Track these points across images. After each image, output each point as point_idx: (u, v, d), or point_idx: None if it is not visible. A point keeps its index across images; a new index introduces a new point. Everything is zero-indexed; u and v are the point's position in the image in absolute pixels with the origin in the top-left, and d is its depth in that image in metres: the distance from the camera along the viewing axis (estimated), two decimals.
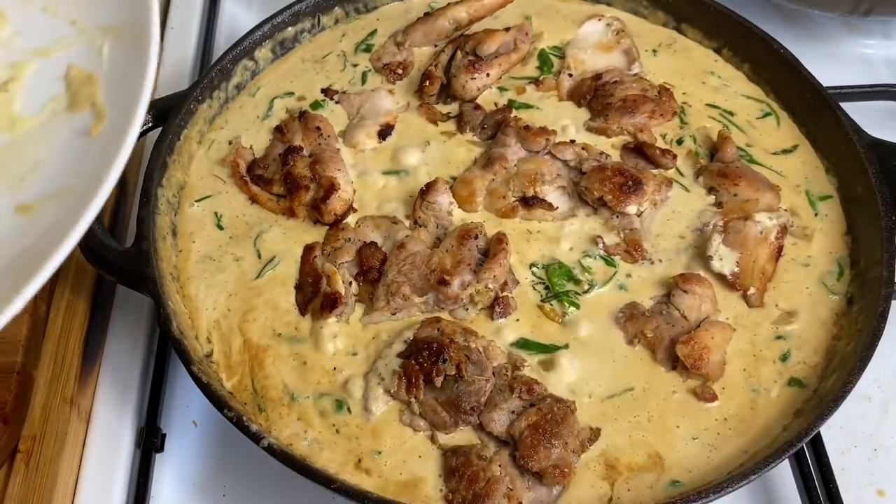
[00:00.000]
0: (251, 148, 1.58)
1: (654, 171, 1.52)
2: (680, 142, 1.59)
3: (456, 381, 1.25)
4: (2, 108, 1.13)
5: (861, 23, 2.08)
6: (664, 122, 1.61)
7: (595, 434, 1.25)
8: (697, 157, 1.56)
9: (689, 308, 1.35)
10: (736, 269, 1.41)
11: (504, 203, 1.48)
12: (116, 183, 1.00)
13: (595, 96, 1.63)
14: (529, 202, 1.47)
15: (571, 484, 1.21)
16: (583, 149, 1.51)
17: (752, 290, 1.40)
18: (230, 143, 1.59)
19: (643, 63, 1.70)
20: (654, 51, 1.75)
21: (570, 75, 1.68)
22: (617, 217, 1.46)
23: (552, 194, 1.49)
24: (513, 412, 1.24)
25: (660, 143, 1.58)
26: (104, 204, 1.52)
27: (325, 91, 1.66)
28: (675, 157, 1.54)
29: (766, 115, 1.65)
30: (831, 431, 1.43)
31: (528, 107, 1.63)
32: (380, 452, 1.24)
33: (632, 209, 1.45)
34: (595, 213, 1.48)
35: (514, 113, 1.58)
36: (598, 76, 1.66)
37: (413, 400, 1.26)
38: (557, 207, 1.47)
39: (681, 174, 1.55)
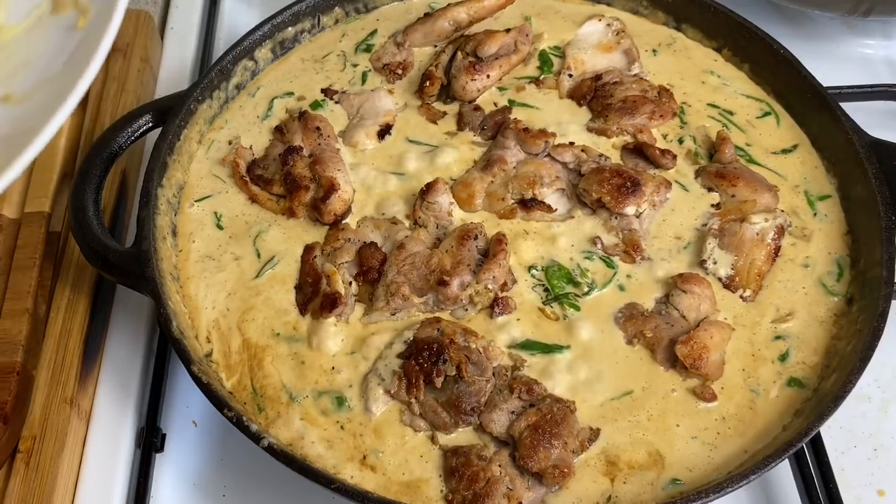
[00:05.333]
0: (251, 148, 1.58)
1: (653, 172, 1.52)
2: (681, 141, 1.59)
3: (456, 382, 1.25)
4: None
5: (861, 23, 2.08)
6: (664, 122, 1.60)
7: (595, 434, 1.25)
8: (697, 158, 1.56)
9: (688, 308, 1.35)
10: (731, 272, 1.41)
11: (503, 205, 1.48)
12: (101, 68, 1.07)
13: (595, 97, 1.63)
14: (528, 204, 1.47)
15: (572, 480, 1.21)
16: (582, 150, 1.51)
17: (748, 292, 1.40)
18: (230, 143, 1.59)
19: (643, 63, 1.70)
20: (654, 51, 1.75)
21: (570, 76, 1.68)
22: (615, 218, 1.46)
23: (551, 196, 1.49)
24: (513, 412, 1.24)
25: (661, 143, 1.58)
26: (105, 203, 1.53)
27: (325, 91, 1.66)
28: (674, 157, 1.54)
29: (766, 114, 1.65)
30: (831, 431, 1.44)
31: (527, 106, 1.63)
32: (382, 452, 1.24)
33: (630, 210, 1.44)
34: (594, 213, 1.48)
35: (513, 115, 1.58)
36: (598, 77, 1.66)
37: (413, 400, 1.26)
38: (556, 209, 1.47)
39: (679, 174, 1.55)
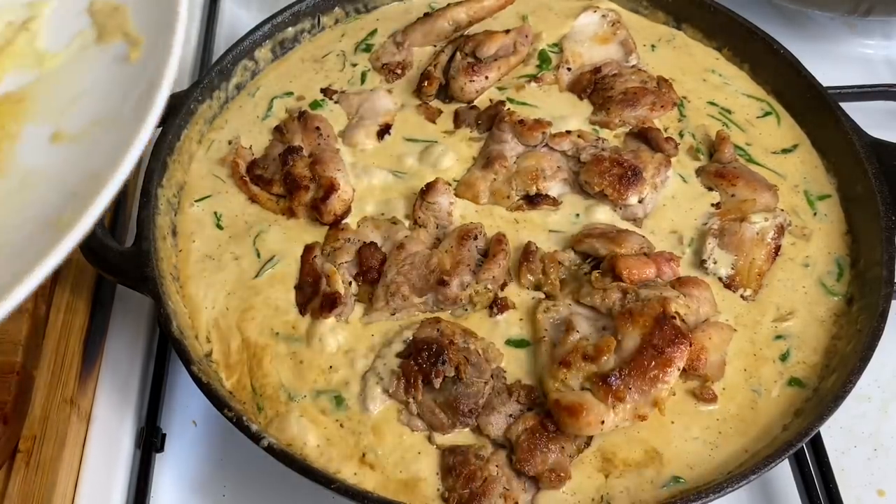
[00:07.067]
0: (251, 148, 1.58)
1: (652, 154, 1.52)
2: (681, 135, 1.60)
3: (454, 383, 1.25)
4: (26, 46, 1.12)
5: (861, 23, 2.08)
6: (665, 113, 1.61)
7: (588, 439, 1.24)
8: (697, 153, 1.56)
9: (687, 312, 1.35)
10: (732, 272, 1.41)
11: (508, 203, 1.48)
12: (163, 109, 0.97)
13: (595, 90, 1.63)
14: (533, 200, 1.47)
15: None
16: (579, 136, 1.51)
17: (748, 292, 1.40)
18: (230, 143, 1.59)
19: (641, 57, 1.70)
20: (653, 46, 1.75)
21: (569, 69, 1.68)
22: (620, 209, 1.47)
23: (555, 187, 1.49)
24: (510, 415, 1.23)
25: None
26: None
27: (325, 91, 1.66)
28: (677, 145, 1.54)
29: (767, 114, 1.65)
30: (831, 431, 1.43)
31: (528, 105, 1.63)
32: (380, 450, 1.24)
33: (633, 199, 1.45)
34: (597, 202, 1.49)
35: (507, 106, 1.58)
36: (597, 69, 1.66)
37: (411, 400, 1.26)
38: (561, 202, 1.48)
39: (681, 164, 1.55)
